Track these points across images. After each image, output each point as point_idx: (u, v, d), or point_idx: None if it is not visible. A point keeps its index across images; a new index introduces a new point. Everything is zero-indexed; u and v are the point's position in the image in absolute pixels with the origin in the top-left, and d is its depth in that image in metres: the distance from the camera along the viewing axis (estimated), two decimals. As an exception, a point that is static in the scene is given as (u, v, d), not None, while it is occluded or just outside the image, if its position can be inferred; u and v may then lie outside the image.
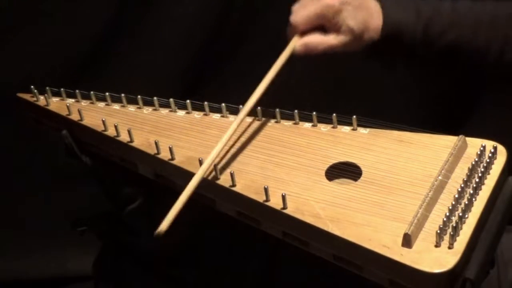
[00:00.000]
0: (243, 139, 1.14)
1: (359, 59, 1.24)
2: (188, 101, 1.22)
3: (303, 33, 1.18)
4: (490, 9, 1.23)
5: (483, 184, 1.02)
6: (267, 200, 1.02)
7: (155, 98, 1.23)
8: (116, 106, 1.25)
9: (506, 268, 1.18)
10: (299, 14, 1.17)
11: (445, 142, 1.08)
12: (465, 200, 0.98)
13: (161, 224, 0.97)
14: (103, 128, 1.18)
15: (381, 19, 1.19)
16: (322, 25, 1.18)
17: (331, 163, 1.08)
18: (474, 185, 1.00)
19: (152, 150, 1.13)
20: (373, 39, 1.20)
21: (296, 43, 1.17)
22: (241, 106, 1.17)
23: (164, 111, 1.23)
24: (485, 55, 1.22)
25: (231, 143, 1.13)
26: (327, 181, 1.05)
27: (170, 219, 0.98)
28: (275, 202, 1.02)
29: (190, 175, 1.08)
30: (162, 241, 1.21)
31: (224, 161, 1.09)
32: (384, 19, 1.19)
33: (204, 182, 1.07)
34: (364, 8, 1.18)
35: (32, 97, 1.27)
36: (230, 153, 1.11)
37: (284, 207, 1.01)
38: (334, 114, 1.15)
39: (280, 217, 1.01)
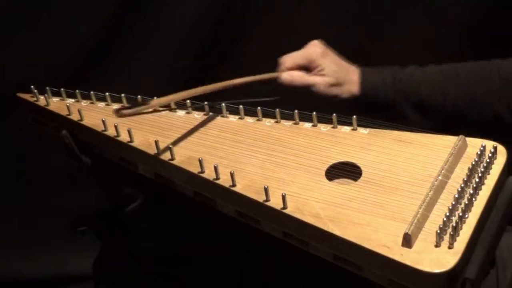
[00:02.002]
0: (243, 139, 1.14)
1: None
2: (188, 101, 1.22)
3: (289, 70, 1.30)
4: (460, 68, 1.33)
5: (483, 184, 1.02)
6: (267, 200, 1.02)
7: (155, 98, 1.23)
8: (116, 106, 1.25)
9: (505, 267, 1.18)
10: (287, 55, 1.30)
11: (445, 142, 1.08)
12: (465, 200, 0.98)
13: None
14: (103, 128, 1.18)
15: (358, 78, 1.32)
16: (306, 67, 1.30)
17: (331, 163, 1.08)
18: (474, 185, 1.00)
19: (152, 150, 1.13)
20: (352, 93, 1.31)
21: (280, 73, 1.29)
22: (241, 106, 1.18)
23: (164, 111, 1.23)
24: (462, 112, 1.30)
25: (231, 142, 1.14)
26: (327, 181, 1.05)
27: None
28: (275, 202, 1.01)
29: (190, 175, 1.08)
30: (162, 241, 1.21)
31: (224, 161, 1.09)
32: (361, 78, 1.32)
33: (204, 182, 1.07)
34: (343, 65, 1.33)
35: (32, 97, 1.27)
36: (230, 153, 1.11)
37: (284, 207, 1.01)
38: (334, 114, 1.15)
39: (280, 217, 1.01)
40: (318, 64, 1.29)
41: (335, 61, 1.31)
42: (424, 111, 1.31)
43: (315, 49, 1.30)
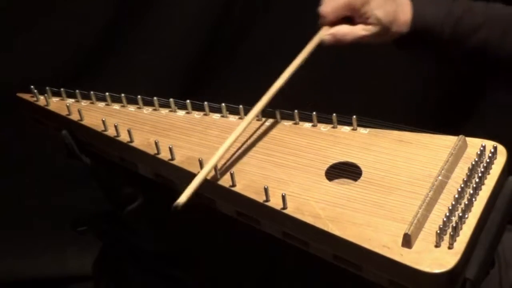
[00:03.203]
0: (243, 139, 1.14)
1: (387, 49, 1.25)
2: (188, 101, 1.22)
3: (332, 24, 1.19)
4: None
5: (483, 184, 1.02)
6: (267, 200, 1.02)
7: (155, 98, 1.23)
8: (116, 106, 1.25)
9: (508, 268, 1.18)
10: (328, 4, 1.19)
11: (445, 142, 1.08)
12: (465, 200, 0.98)
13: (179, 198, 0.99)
14: (103, 128, 1.18)
15: (410, 14, 1.21)
16: (350, 16, 1.19)
17: (331, 163, 1.08)
18: (474, 185, 1.00)
19: (152, 150, 1.13)
20: (401, 33, 1.21)
21: (324, 33, 1.18)
22: (241, 106, 1.18)
23: (164, 111, 1.23)
24: None
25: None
26: (327, 181, 1.05)
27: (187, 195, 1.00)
28: (275, 202, 1.01)
29: (190, 175, 1.08)
30: (162, 241, 1.21)
31: (224, 161, 1.09)
32: (414, 14, 1.21)
33: (204, 182, 1.07)
34: (393, 0, 1.20)
35: (32, 97, 1.27)
36: (230, 153, 1.11)
37: (284, 207, 1.01)
38: (334, 114, 1.15)
39: (280, 217, 1.01)
40: (363, 12, 1.18)
41: (383, 1, 1.19)
42: (478, 55, 1.22)
43: None
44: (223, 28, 1.88)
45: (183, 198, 0.99)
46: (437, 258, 0.92)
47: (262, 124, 1.18)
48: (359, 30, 1.19)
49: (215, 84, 1.91)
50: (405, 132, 1.12)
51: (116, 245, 1.32)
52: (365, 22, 1.19)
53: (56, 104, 1.26)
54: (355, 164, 1.07)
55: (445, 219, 0.94)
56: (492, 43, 1.22)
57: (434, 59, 1.30)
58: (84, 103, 1.26)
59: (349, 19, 1.21)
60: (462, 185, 1.00)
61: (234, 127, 1.13)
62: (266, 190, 1.02)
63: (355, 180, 1.05)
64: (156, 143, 1.13)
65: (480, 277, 0.95)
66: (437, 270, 0.91)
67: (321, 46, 1.19)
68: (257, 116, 1.14)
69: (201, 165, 1.07)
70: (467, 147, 1.07)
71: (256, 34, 1.90)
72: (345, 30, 1.19)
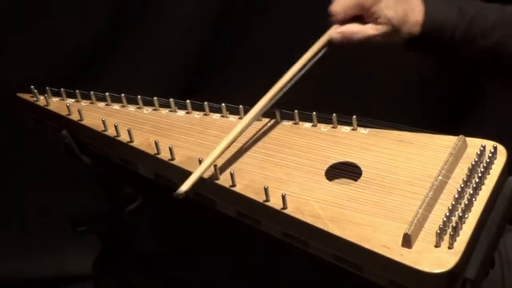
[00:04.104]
0: (243, 139, 1.14)
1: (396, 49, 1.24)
2: (188, 101, 1.22)
3: (342, 23, 1.19)
4: None
5: (483, 184, 1.02)
6: (267, 200, 1.02)
7: (155, 98, 1.23)
8: (116, 106, 1.25)
9: (510, 268, 1.17)
10: (339, 3, 1.19)
11: (445, 142, 1.08)
12: (465, 200, 0.98)
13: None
14: (103, 128, 1.18)
15: (422, 15, 1.20)
16: (360, 15, 1.19)
17: (331, 163, 1.08)
18: (474, 185, 1.00)
19: (152, 150, 1.13)
20: (412, 34, 1.21)
21: (333, 31, 1.19)
22: (241, 106, 1.18)
23: (164, 111, 1.23)
24: None
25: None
26: (327, 181, 1.05)
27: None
28: (275, 202, 1.02)
29: (190, 175, 1.08)
30: (162, 241, 1.21)
31: (224, 161, 1.09)
32: (425, 15, 1.20)
33: (204, 182, 1.07)
34: (405, 1, 1.20)
35: (32, 97, 1.27)
36: (230, 153, 1.11)
37: (284, 207, 1.01)
38: (334, 114, 1.15)
39: (280, 217, 1.01)
40: (373, 12, 1.18)
41: (393, 2, 1.18)
42: (494, 57, 1.21)
43: None
44: (223, 28, 1.88)
45: (185, 187, 1.01)
46: (437, 258, 0.92)
47: (262, 124, 1.18)
48: (368, 29, 1.19)
49: (215, 84, 1.91)
50: (405, 132, 1.12)
51: (116, 245, 1.32)
52: (375, 22, 1.19)
53: (56, 104, 1.26)
54: (355, 164, 1.07)
55: (445, 219, 0.94)
56: (506, 46, 1.21)
57: (436, 59, 1.29)
58: (84, 103, 1.26)
59: (359, 19, 1.21)
60: (462, 185, 1.00)
61: (235, 127, 1.13)
62: (266, 190, 1.02)
63: (355, 180, 1.05)
64: (156, 143, 1.13)
65: (480, 277, 0.95)
66: (437, 270, 0.91)
67: (329, 44, 1.20)
68: (266, 105, 1.13)
69: (200, 164, 1.07)
70: (467, 147, 1.07)
71: (256, 34, 1.90)
72: (354, 29, 1.19)
